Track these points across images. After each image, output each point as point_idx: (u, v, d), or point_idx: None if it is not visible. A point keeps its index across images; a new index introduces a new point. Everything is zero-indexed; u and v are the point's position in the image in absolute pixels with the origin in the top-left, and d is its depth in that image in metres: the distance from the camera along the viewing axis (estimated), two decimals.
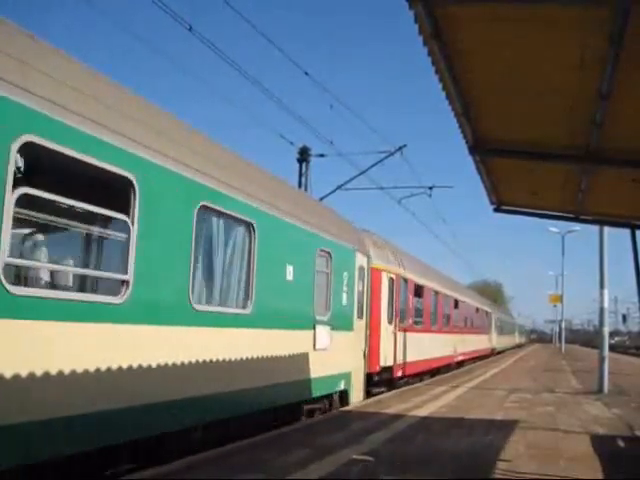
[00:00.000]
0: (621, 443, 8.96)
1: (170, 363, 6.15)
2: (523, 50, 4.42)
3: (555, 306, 71.95)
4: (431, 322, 20.29)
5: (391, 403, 12.51)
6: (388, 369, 14.74)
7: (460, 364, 26.41)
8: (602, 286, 16.77)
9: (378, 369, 13.86)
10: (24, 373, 4.50)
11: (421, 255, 26.18)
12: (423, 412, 11.32)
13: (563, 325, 62.89)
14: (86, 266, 6.76)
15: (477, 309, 32.53)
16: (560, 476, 6.61)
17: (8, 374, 4.37)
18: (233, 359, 7.40)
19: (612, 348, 29.41)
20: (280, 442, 7.91)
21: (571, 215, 9.41)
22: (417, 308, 18.50)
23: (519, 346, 69.61)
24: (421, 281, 18.91)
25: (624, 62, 4.19)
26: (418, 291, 18.49)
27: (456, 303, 25.65)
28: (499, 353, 44.64)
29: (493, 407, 12.44)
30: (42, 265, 5.53)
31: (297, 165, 19.66)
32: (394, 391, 15.08)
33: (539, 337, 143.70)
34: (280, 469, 6.41)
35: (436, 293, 21.27)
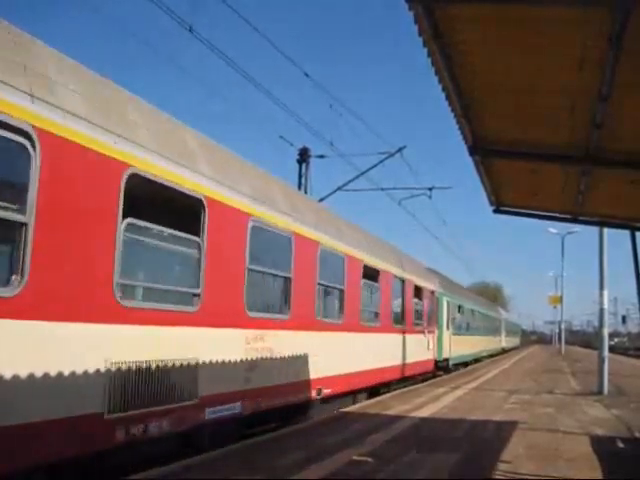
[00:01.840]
0: (620, 444, 8.97)
1: None
2: (523, 50, 4.42)
3: (555, 307, 71.91)
4: None
5: (392, 404, 12.52)
6: None
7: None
8: (602, 287, 16.77)
9: None
10: None
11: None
12: (424, 413, 11.32)
13: (563, 326, 62.89)
14: None
15: (375, 272, 13.64)
16: (560, 477, 6.61)
17: None
18: None
19: (612, 349, 29.39)
20: (280, 443, 7.90)
21: (571, 216, 9.41)
22: None
23: (506, 351, 51.26)
24: None
25: (624, 63, 4.20)
26: None
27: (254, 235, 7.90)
28: (465, 365, 26.48)
29: (493, 408, 12.43)
30: None
31: (297, 166, 19.66)
32: (395, 392, 15.09)
33: (539, 338, 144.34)
34: (280, 470, 6.41)
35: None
